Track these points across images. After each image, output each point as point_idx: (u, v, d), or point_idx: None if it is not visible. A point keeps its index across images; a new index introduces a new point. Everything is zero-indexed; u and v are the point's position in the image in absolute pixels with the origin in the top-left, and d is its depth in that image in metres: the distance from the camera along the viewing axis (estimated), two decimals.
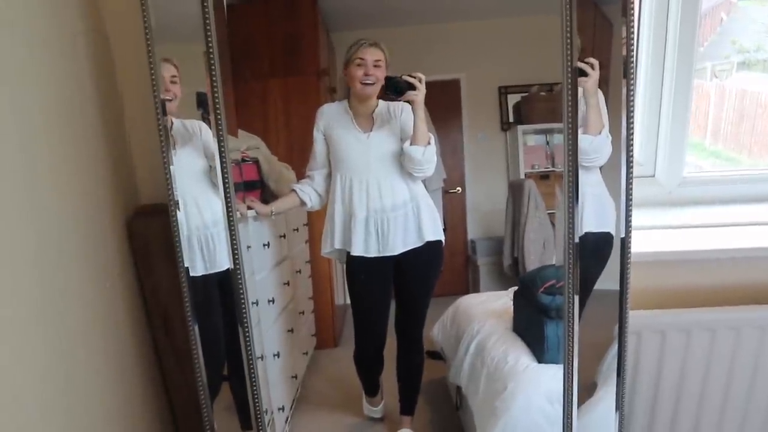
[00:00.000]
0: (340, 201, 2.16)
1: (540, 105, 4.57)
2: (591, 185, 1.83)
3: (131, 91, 2.08)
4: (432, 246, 2.19)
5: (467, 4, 4.31)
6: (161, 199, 1.69)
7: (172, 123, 1.87)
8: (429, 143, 2.05)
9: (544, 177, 4.53)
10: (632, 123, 1.65)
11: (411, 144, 2.04)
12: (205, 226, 1.83)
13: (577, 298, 1.74)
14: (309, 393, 2.92)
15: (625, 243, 1.71)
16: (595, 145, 1.82)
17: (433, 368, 2.90)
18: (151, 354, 2.14)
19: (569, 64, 1.58)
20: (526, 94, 4.63)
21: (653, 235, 2.28)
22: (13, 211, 1.38)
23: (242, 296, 1.75)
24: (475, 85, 4.76)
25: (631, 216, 1.69)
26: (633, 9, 1.59)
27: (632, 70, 1.60)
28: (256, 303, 2.06)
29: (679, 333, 2.05)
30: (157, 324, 2.08)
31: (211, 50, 1.60)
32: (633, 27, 1.58)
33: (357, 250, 2.15)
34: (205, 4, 1.58)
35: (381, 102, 2.16)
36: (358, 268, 2.20)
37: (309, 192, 2.22)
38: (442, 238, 2.23)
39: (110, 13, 1.99)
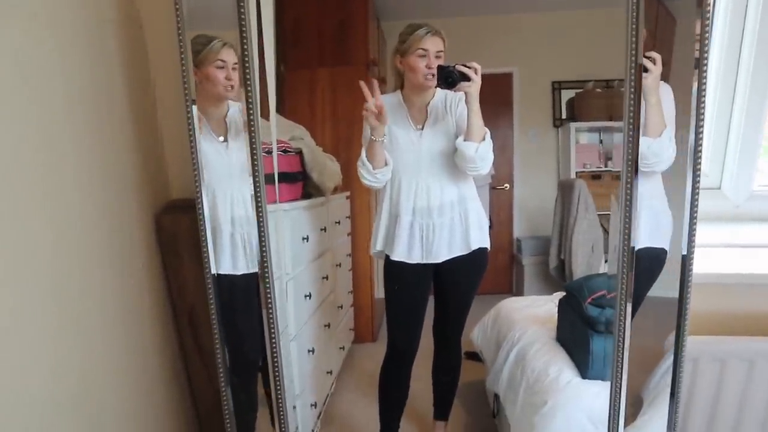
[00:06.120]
0: (388, 200, 2.03)
1: (595, 102, 4.44)
2: (648, 196, 1.70)
3: (166, 80, 1.97)
4: (477, 253, 2.04)
5: None
6: (192, 193, 1.64)
7: (228, 109, 1.82)
8: (484, 139, 1.87)
9: (595, 177, 4.40)
10: (701, 125, 1.49)
11: (465, 139, 1.87)
12: (249, 223, 1.78)
13: (629, 310, 1.62)
14: (344, 388, 2.90)
15: (686, 262, 1.57)
16: (655, 149, 1.67)
17: (470, 370, 2.83)
18: (176, 354, 2.06)
19: (634, 58, 1.46)
20: (581, 90, 4.52)
21: (716, 253, 2.12)
22: (32, 203, 1.33)
23: (269, 293, 1.69)
24: (528, 80, 4.66)
25: (695, 232, 1.53)
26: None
27: (705, 64, 1.44)
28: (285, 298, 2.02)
29: (741, 362, 1.91)
30: (183, 324, 2.01)
31: (245, 36, 1.54)
32: (708, 18, 1.42)
33: (398, 255, 2.02)
34: None
35: (438, 92, 1.99)
36: (397, 272, 2.05)
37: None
38: (488, 245, 2.07)
39: (145, 3, 1.92)
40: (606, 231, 3.77)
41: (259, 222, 1.64)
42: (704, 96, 1.41)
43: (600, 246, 3.64)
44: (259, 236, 1.65)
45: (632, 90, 1.43)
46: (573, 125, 4.39)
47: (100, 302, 1.61)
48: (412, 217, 1.98)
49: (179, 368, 2.07)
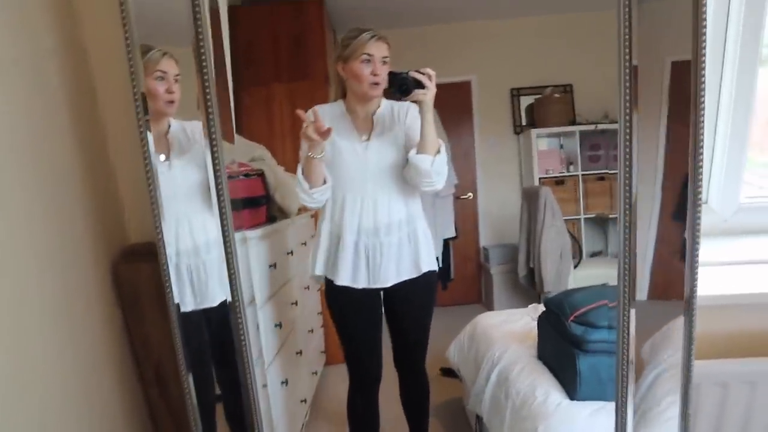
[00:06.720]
0: (329, 218, 1.88)
1: (554, 107, 4.44)
2: None
3: (116, 111, 1.78)
4: (427, 275, 1.92)
5: (479, 3, 4.18)
6: (153, 236, 1.48)
7: (169, 126, 1.65)
8: (439, 151, 1.75)
9: (559, 183, 4.41)
10: (701, 134, 1.42)
11: (418, 152, 1.75)
12: (196, 253, 1.62)
13: (633, 315, 1.53)
14: (319, 415, 2.80)
15: (691, 291, 1.49)
16: None
17: (448, 387, 2.77)
18: (143, 412, 1.90)
19: (627, 60, 1.39)
20: (540, 96, 4.52)
21: (709, 273, 2.06)
22: None
23: (241, 330, 1.56)
24: (487, 87, 4.64)
25: (697, 256, 1.45)
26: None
27: (703, 72, 1.37)
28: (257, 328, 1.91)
29: (743, 385, 1.86)
30: (150, 379, 1.86)
31: (202, 48, 1.42)
32: (705, 26, 1.35)
33: (343, 280, 1.86)
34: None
35: (384, 102, 1.87)
36: (342, 299, 1.91)
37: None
38: (437, 267, 1.95)
39: (90, 26, 1.74)
40: (573, 237, 3.76)
41: (227, 253, 1.52)
42: (702, 102, 1.33)
43: (568, 252, 3.62)
44: (228, 269, 1.53)
45: (627, 92, 1.37)
46: (533, 131, 4.38)
47: (57, 365, 1.47)
48: (356, 237, 1.84)
49: (148, 426, 1.92)
